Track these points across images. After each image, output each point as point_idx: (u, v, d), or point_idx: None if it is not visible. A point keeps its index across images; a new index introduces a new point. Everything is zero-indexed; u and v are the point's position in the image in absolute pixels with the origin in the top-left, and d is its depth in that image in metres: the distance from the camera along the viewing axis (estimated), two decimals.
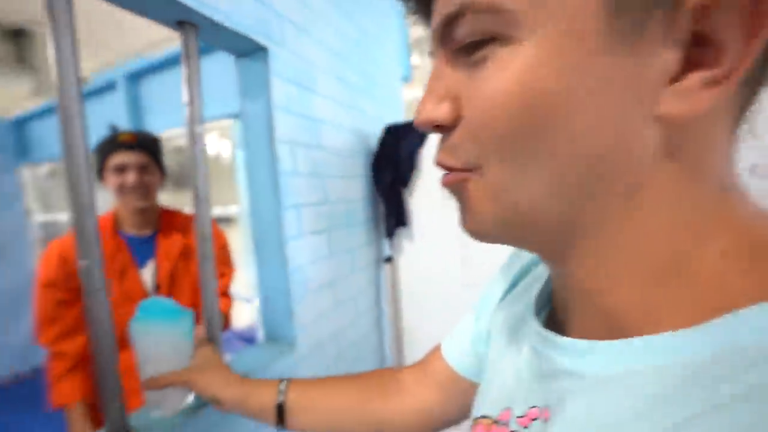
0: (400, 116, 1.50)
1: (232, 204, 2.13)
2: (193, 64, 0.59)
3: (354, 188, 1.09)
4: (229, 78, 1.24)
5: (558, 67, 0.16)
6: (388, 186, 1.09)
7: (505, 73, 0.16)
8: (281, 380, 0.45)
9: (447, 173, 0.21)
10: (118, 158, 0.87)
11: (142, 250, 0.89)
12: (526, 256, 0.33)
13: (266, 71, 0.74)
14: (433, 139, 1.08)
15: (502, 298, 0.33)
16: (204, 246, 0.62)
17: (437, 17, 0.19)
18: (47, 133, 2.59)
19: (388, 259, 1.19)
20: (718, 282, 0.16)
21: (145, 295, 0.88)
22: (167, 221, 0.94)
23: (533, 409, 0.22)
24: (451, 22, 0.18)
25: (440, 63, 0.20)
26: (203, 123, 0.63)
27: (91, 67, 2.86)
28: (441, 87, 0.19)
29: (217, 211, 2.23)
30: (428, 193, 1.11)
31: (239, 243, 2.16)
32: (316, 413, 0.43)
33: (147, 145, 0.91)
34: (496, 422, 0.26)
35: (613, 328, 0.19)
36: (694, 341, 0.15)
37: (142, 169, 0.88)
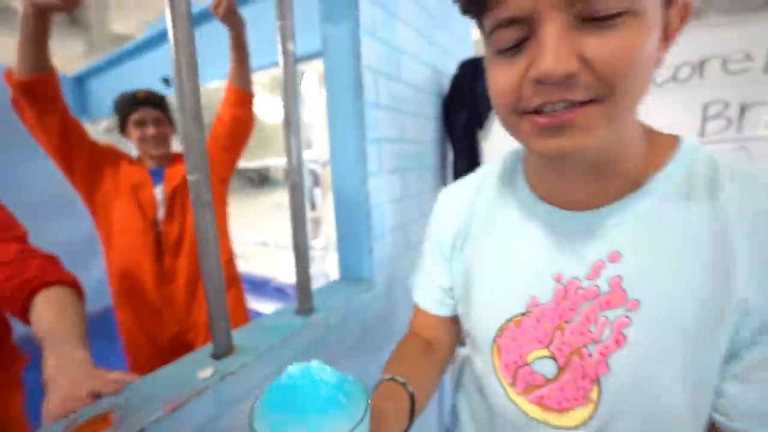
0: (470, 52, 1.37)
1: (268, 157, 2.14)
2: None
3: (426, 129, 1.03)
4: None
5: (654, 35, 0.27)
6: (462, 126, 1.02)
7: (638, 35, 0.26)
8: (393, 379, 0.40)
9: (569, 110, 0.27)
10: (139, 114, 0.98)
11: (155, 174, 1.02)
12: (455, 205, 0.45)
13: None
14: None
15: (465, 238, 0.43)
16: (297, 179, 0.60)
17: None
18: (104, 90, 2.65)
19: None
20: (662, 141, 0.34)
21: (154, 206, 0.97)
22: (174, 158, 1.06)
23: (594, 264, 0.34)
24: None
25: (563, 27, 0.26)
26: (293, 40, 0.58)
27: (146, 18, 2.84)
28: (568, 45, 0.26)
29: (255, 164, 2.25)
30: (505, 136, 1.02)
31: (274, 198, 2.21)
32: (424, 391, 0.43)
33: (159, 103, 1.02)
34: (525, 314, 0.37)
35: (624, 188, 0.33)
36: (672, 174, 0.32)
37: (158, 123, 1.00)
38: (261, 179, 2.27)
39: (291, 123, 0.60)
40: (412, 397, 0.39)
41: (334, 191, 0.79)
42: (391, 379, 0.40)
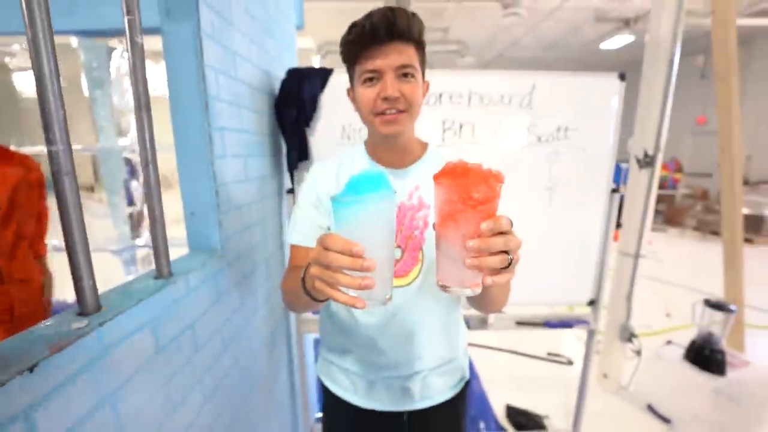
0: (294, 61, 1.59)
1: (85, 143, 1.77)
2: None
3: (261, 123, 1.19)
4: None
5: (421, 88, 0.66)
6: (293, 123, 1.23)
7: (417, 86, 0.64)
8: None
9: (393, 112, 0.63)
10: None
11: None
12: (326, 173, 0.75)
13: None
14: (331, 87, 1.26)
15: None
16: (149, 157, 0.68)
17: (396, 61, 0.61)
18: None
19: (290, 191, 1.35)
20: (422, 142, 0.76)
21: None
22: None
23: (409, 192, 0.71)
24: (404, 66, 0.61)
25: (394, 78, 0.62)
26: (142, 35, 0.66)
27: None
28: (395, 85, 0.62)
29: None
30: (328, 131, 1.30)
31: (101, 190, 1.85)
32: None
33: None
34: None
35: (412, 160, 0.73)
36: (429, 154, 0.75)
37: None
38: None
39: (142, 110, 0.67)
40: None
41: (181, 172, 0.86)
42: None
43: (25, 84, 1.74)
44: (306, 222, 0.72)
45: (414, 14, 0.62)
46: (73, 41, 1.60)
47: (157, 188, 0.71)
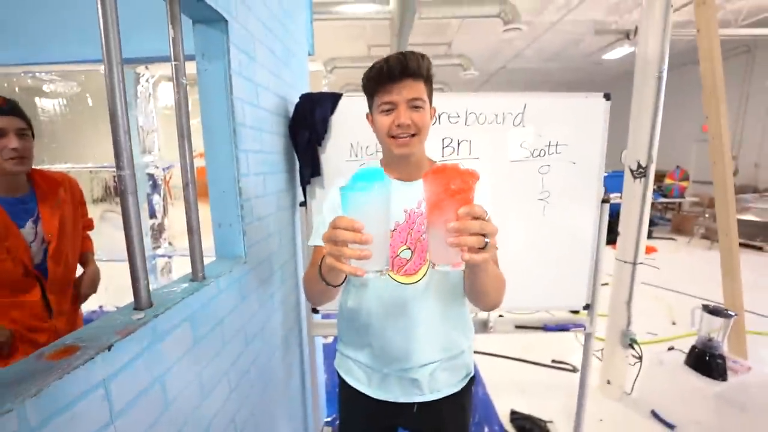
0: (306, 84, 1.74)
1: (111, 161, 1.95)
2: None
3: (278, 143, 1.33)
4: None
5: (429, 115, 0.80)
6: (305, 143, 1.37)
7: (426, 114, 0.79)
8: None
9: (405, 137, 0.77)
10: None
11: (18, 211, 0.94)
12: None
13: (226, 39, 0.93)
14: (340, 110, 1.40)
15: None
16: (189, 175, 0.82)
17: (408, 95, 0.75)
18: None
19: (303, 204, 1.48)
20: (430, 160, 0.91)
21: (28, 252, 0.96)
22: (40, 180, 1.01)
23: (418, 201, 0.83)
24: (415, 99, 0.76)
25: (406, 108, 0.76)
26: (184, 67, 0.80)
27: None
28: (407, 114, 0.76)
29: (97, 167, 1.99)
30: (337, 149, 1.44)
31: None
32: None
33: (19, 110, 0.93)
34: (393, 230, 0.84)
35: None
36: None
37: (21, 134, 0.91)
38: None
39: (185, 139, 0.81)
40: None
41: (211, 189, 1.00)
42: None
43: (47, 106, 1.90)
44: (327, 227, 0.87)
45: (423, 56, 0.76)
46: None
47: (194, 204, 0.85)
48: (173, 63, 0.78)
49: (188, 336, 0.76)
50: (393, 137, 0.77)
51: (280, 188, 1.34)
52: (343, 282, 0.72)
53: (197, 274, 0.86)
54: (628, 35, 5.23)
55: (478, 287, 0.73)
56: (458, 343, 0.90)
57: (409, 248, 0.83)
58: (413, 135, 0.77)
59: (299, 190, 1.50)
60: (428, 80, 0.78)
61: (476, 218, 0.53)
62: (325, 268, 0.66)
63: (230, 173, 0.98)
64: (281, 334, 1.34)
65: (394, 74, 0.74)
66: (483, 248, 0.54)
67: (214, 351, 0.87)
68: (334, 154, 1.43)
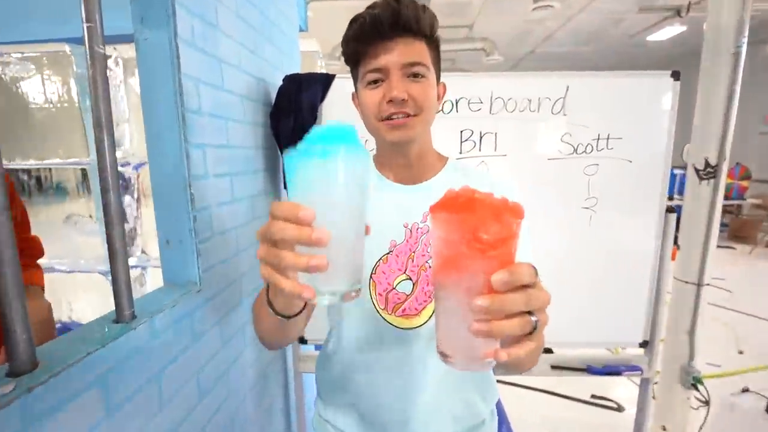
0: (297, 66, 1.56)
1: (76, 156, 1.81)
2: None
3: (254, 135, 1.15)
4: None
5: (434, 90, 0.62)
6: (289, 134, 1.19)
7: (428, 87, 0.59)
8: None
9: (400, 117, 0.57)
10: None
11: None
12: None
13: None
14: (333, 94, 1.22)
15: None
16: (111, 178, 0.64)
17: (403, 58, 0.56)
18: None
19: None
20: (440, 155, 0.71)
21: None
22: None
23: (423, 213, 0.64)
24: (413, 64, 0.57)
25: (400, 77, 0.57)
26: (104, 44, 0.63)
27: None
28: (403, 85, 0.56)
29: (58, 162, 1.86)
30: None
31: (91, 205, 1.88)
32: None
33: None
34: (388, 253, 0.65)
35: (427, 174, 0.68)
36: (448, 168, 0.69)
37: None
38: (39, 185, 1.88)
39: (103, 127, 0.63)
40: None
41: (155, 196, 0.82)
42: None
43: (30, 93, 1.77)
44: None
45: (425, 6, 0.58)
46: (67, 48, 1.64)
47: (119, 217, 0.67)
48: (85, 25, 0.61)
49: (96, 407, 0.58)
50: (385, 119, 0.59)
51: (255, 192, 1.16)
52: (302, 312, 0.49)
53: (122, 313, 0.68)
54: (678, 12, 4.87)
55: (511, 365, 0.53)
56: (477, 410, 0.70)
57: (410, 278, 0.64)
58: (411, 115, 0.59)
59: (285, 193, 1.32)
60: (432, 41, 0.60)
61: (521, 287, 0.33)
62: (271, 289, 0.46)
63: (178, 175, 0.81)
64: (256, 373, 1.16)
65: (382, 28, 0.55)
66: (530, 332, 0.34)
67: (144, 417, 0.69)
68: None
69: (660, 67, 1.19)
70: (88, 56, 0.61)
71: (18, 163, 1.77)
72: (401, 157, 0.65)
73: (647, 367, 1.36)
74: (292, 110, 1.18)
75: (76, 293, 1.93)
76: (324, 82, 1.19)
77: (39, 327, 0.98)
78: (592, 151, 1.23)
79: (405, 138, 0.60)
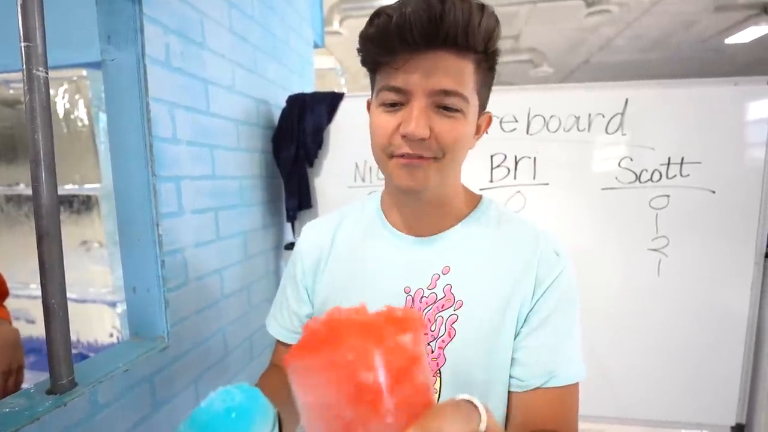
0: (310, 85, 1.50)
1: (90, 182, 1.87)
2: None
3: (251, 163, 1.07)
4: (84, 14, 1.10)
5: (471, 129, 0.47)
6: (291, 163, 1.10)
7: (463, 126, 0.45)
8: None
9: (417, 158, 0.45)
10: None
11: None
12: (318, 236, 0.59)
13: (138, 12, 0.69)
14: (343, 114, 1.12)
15: (326, 263, 0.57)
16: (49, 224, 0.57)
17: (434, 82, 0.42)
18: None
19: (290, 246, 1.20)
20: (472, 195, 0.56)
21: None
22: None
23: (433, 276, 0.51)
24: (447, 92, 0.43)
25: (424, 107, 0.43)
26: (46, 67, 0.57)
27: None
28: (425, 118, 0.43)
29: (70, 189, 1.94)
30: (335, 174, 1.15)
31: (101, 231, 1.93)
32: (288, 418, 0.45)
33: None
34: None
35: (447, 223, 0.52)
36: (479, 214, 0.53)
37: None
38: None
39: (41, 166, 0.57)
40: (278, 415, 0.42)
41: (120, 237, 0.75)
42: None
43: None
44: (284, 309, 0.60)
45: (483, 6, 0.43)
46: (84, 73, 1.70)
47: (59, 268, 0.60)
48: (23, 44, 0.55)
49: None
50: (396, 156, 0.46)
51: (251, 227, 1.08)
52: None
53: (57, 381, 0.60)
54: (765, 9, 4.42)
55: None
56: None
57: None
58: (432, 158, 0.45)
59: (288, 227, 1.23)
60: (487, 58, 0.45)
61: None
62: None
63: (144, 213, 0.73)
64: None
65: (410, 35, 0.41)
66: None
67: None
68: (331, 177, 1.15)
69: (741, 75, 0.99)
70: (25, 79, 0.55)
71: (23, 189, 1.84)
72: (411, 204, 0.53)
73: None
74: (294, 135, 1.10)
75: (83, 323, 1.96)
76: (330, 102, 1.11)
77: (8, 350, 0.96)
78: (660, 179, 1.03)
79: (417, 186, 0.46)
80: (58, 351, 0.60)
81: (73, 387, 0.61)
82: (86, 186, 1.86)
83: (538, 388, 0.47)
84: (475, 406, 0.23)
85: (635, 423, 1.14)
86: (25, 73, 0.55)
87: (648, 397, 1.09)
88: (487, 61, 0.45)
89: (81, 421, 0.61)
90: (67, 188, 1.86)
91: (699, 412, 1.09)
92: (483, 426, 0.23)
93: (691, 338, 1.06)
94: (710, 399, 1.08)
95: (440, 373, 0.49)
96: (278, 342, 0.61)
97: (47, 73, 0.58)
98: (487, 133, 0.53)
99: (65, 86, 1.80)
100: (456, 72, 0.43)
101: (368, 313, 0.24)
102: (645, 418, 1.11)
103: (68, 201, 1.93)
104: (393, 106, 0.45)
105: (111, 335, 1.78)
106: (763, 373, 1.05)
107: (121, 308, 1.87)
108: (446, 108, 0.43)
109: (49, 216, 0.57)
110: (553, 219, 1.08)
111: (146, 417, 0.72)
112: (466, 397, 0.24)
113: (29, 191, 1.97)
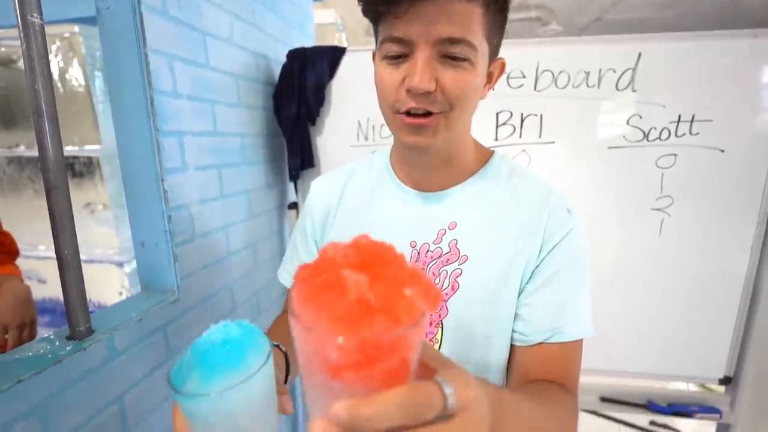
0: (311, 41, 1.45)
1: (90, 144, 1.85)
2: None
3: (252, 121, 1.06)
4: None
5: (481, 78, 0.45)
6: (292, 121, 1.09)
7: (471, 76, 0.43)
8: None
9: (423, 115, 0.44)
10: None
11: None
12: (327, 190, 0.61)
13: None
14: (345, 70, 1.09)
15: (335, 217, 0.58)
16: (56, 177, 0.57)
17: (439, 30, 0.40)
18: None
19: (293, 205, 1.21)
20: (484, 150, 0.55)
21: None
22: None
23: (439, 231, 0.52)
24: (453, 40, 0.40)
25: (428, 57, 0.41)
26: (41, 13, 0.55)
27: None
28: (430, 71, 0.41)
29: (71, 150, 1.93)
30: (338, 132, 1.13)
31: (105, 193, 1.93)
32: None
33: None
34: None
35: (456, 178, 0.53)
36: (489, 169, 0.53)
37: None
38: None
39: (44, 118, 0.56)
40: (286, 355, 0.47)
41: (126, 192, 0.76)
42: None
43: None
44: (294, 260, 0.64)
45: None
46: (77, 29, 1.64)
47: (68, 220, 0.60)
48: None
49: None
50: (401, 113, 0.45)
51: (255, 185, 1.08)
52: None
53: (76, 327, 0.62)
54: None
55: None
56: None
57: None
58: (440, 113, 0.44)
59: (291, 186, 1.23)
60: (494, 3, 0.43)
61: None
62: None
63: (148, 168, 0.73)
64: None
65: None
66: None
67: None
68: (333, 136, 1.14)
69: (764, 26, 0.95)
70: (20, 27, 0.54)
71: (24, 151, 1.83)
72: (419, 161, 0.52)
73: (728, 410, 1.14)
74: (295, 92, 1.08)
75: (92, 284, 2.01)
76: (332, 57, 1.07)
77: (20, 306, 1.00)
78: (669, 137, 1.02)
79: (424, 144, 0.46)
80: (74, 299, 0.62)
81: (91, 333, 0.64)
82: (87, 147, 1.85)
83: (541, 343, 0.48)
84: (438, 385, 0.22)
85: (625, 375, 1.19)
86: (19, 20, 0.54)
87: (640, 352, 1.14)
88: (496, 2, 0.42)
89: (101, 366, 0.64)
90: (68, 150, 1.85)
91: (690, 365, 1.13)
92: (452, 400, 0.22)
93: (688, 297, 1.08)
94: (702, 353, 1.12)
95: (442, 324, 0.51)
96: (289, 290, 0.63)
97: (42, 20, 0.56)
98: (492, 87, 0.51)
99: (57, 44, 1.74)
100: (462, 17, 0.40)
101: (387, 249, 0.26)
102: (634, 370, 1.16)
103: (70, 164, 1.93)
104: (396, 58, 0.43)
105: (120, 294, 1.83)
106: (755, 329, 1.08)
107: (129, 268, 1.91)
108: (453, 57, 0.42)
109: (56, 168, 0.58)
110: (558, 178, 1.08)
111: (162, 363, 0.76)
112: (439, 378, 0.23)
113: (29, 153, 1.97)
